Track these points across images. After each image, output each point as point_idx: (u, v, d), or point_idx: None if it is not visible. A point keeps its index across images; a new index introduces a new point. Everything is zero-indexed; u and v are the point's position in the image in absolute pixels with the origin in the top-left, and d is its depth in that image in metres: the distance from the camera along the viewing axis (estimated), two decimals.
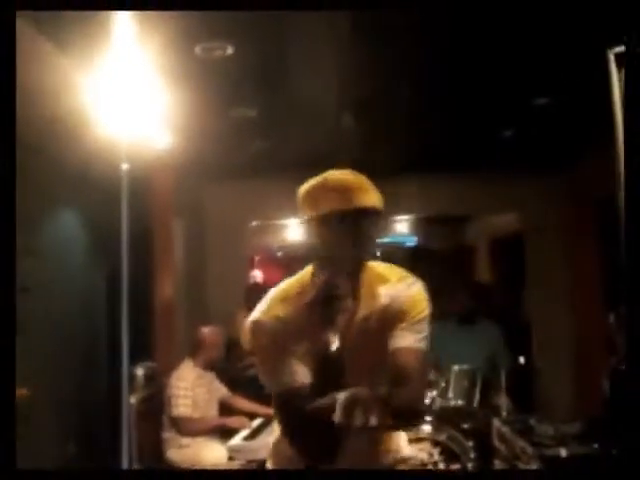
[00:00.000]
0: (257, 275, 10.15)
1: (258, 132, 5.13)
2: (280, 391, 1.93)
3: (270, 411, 2.75)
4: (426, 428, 4.32)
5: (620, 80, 2.05)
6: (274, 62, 3.73)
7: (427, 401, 4.35)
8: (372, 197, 1.93)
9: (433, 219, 9.22)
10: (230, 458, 4.46)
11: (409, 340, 1.92)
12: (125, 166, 3.31)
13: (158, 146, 3.72)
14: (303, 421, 1.70)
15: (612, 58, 2.15)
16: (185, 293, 6.04)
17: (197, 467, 4.52)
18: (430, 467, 3.89)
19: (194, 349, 4.91)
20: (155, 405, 4.72)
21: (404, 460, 2.16)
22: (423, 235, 10.49)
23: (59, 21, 2.86)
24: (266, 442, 2.41)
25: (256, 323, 1.98)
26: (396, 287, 2.01)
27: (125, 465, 3.34)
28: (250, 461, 4.20)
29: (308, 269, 2.03)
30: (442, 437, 4.25)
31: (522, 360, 6.46)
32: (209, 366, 4.94)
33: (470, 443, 4.24)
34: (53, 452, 3.99)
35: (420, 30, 3.32)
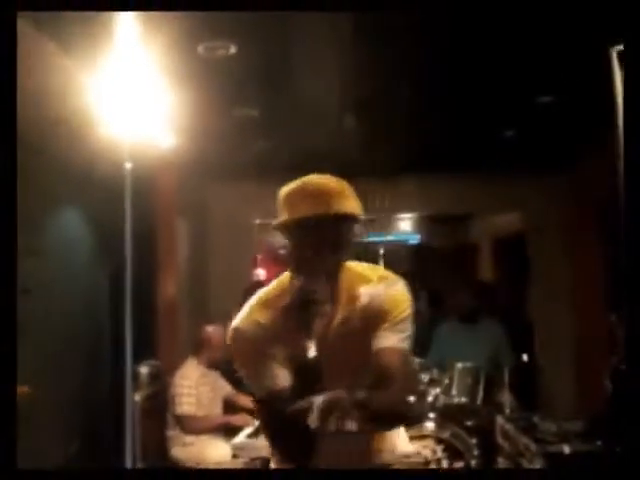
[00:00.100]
0: (260, 273, 10.16)
1: (261, 131, 5.14)
2: (261, 395, 1.95)
3: None
4: (429, 425, 4.33)
5: (622, 78, 2.05)
6: (277, 61, 3.73)
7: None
8: (351, 203, 1.91)
9: (436, 217, 9.23)
10: (234, 456, 4.46)
11: (392, 340, 1.90)
12: (129, 165, 3.33)
13: (161, 145, 3.73)
14: (281, 424, 1.71)
15: (614, 56, 2.15)
16: (189, 292, 6.06)
17: (201, 465, 4.53)
18: (433, 464, 3.90)
19: (198, 348, 4.92)
20: (159, 403, 4.73)
21: (403, 457, 2.16)
22: (426, 233, 10.49)
23: (61, 21, 2.87)
24: None
25: (236, 330, 2.00)
26: (377, 287, 1.99)
27: (129, 463, 3.36)
28: (254, 459, 4.20)
29: (287, 274, 2.02)
30: (446, 434, 4.26)
31: (525, 358, 6.46)
32: (213, 365, 4.95)
33: (474, 440, 4.26)
34: (57, 450, 4.00)
35: (421, 30, 3.32)
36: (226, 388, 5.05)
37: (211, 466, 4.50)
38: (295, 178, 1.98)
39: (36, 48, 3.07)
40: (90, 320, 4.71)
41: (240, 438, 4.56)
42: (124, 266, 3.32)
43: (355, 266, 2.04)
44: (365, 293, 1.98)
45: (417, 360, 4.86)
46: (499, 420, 4.07)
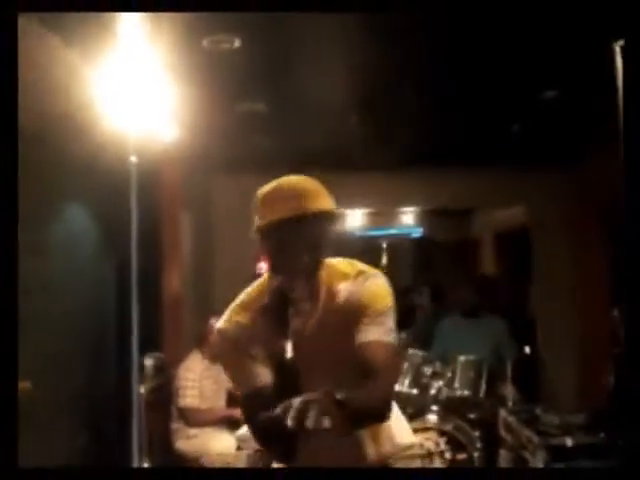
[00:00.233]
0: (264, 267, 10.18)
1: (265, 126, 5.15)
2: (244, 393, 1.98)
3: None
4: (432, 418, 4.36)
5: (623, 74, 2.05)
6: (282, 55, 3.74)
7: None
8: (325, 201, 1.92)
9: (439, 211, 9.24)
10: (238, 448, 4.49)
11: (374, 334, 1.90)
12: (133, 159, 3.34)
13: (166, 139, 3.74)
14: (264, 422, 1.73)
15: (618, 51, 2.16)
16: (193, 285, 6.08)
17: (206, 457, 4.56)
18: (436, 457, 3.92)
19: (202, 341, 4.94)
20: (164, 396, 4.76)
21: (405, 449, 2.18)
22: (429, 227, 10.51)
23: (66, 17, 2.87)
24: None
25: (219, 331, 2.05)
26: (355, 282, 1.99)
27: (134, 455, 3.39)
28: (258, 450, 4.23)
29: (266, 275, 2.05)
30: (448, 427, 4.29)
31: (528, 351, 6.49)
32: (217, 358, 4.96)
33: (476, 433, 4.29)
34: (63, 444, 4.03)
35: (425, 26, 3.32)
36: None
37: (215, 457, 4.53)
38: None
39: (41, 43, 3.08)
40: (96, 313, 4.74)
41: (244, 430, 4.58)
42: (129, 260, 3.34)
43: (334, 263, 2.04)
44: (344, 289, 1.98)
45: (420, 353, 4.89)
46: (502, 413, 4.09)
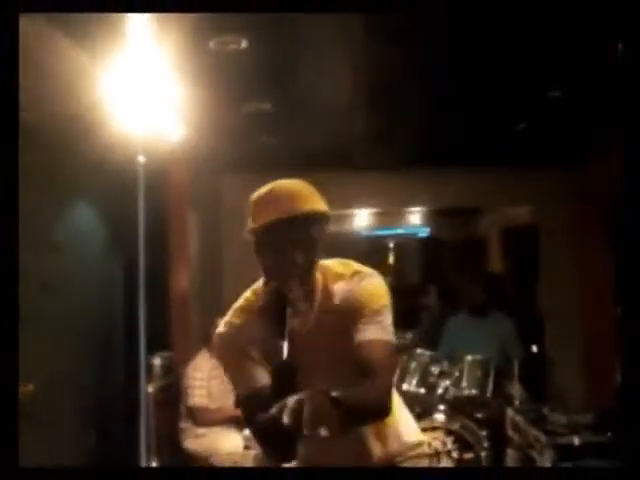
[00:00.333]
0: None
1: (272, 125, 5.16)
2: (243, 394, 1.99)
3: None
4: (440, 417, 4.37)
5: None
6: (288, 56, 3.75)
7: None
8: (317, 202, 1.93)
9: (445, 211, 9.23)
10: (246, 447, 4.51)
11: (372, 333, 1.91)
12: (141, 159, 3.36)
13: (174, 139, 3.76)
14: (262, 423, 1.75)
15: (621, 51, 2.16)
16: (201, 284, 6.09)
17: (214, 456, 4.57)
18: (443, 456, 3.93)
19: (210, 340, 4.94)
20: (172, 395, 4.78)
21: (412, 447, 2.19)
22: (435, 226, 10.51)
23: (74, 17, 2.89)
24: None
25: (218, 335, 2.08)
26: (351, 282, 2.00)
27: (142, 454, 3.41)
28: None
29: (262, 278, 2.06)
30: (456, 426, 4.29)
31: (535, 350, 6.48)
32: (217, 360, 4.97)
33: (484, 432, 4.29)
34: (71, 443, 4.05)
35: (432, 25, 3.33)
36: None
37: (223, 457, 4.54)
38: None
39: (49, 44, 3.10)
40: (103, 313, 4.76)
41: None
42: (137, 259, 3.36)
43: (330, 264, 2.05)
44: (340, 289, 2.00)
45: (427, 353, 4.90)
46: (509, 412, 4.10)
